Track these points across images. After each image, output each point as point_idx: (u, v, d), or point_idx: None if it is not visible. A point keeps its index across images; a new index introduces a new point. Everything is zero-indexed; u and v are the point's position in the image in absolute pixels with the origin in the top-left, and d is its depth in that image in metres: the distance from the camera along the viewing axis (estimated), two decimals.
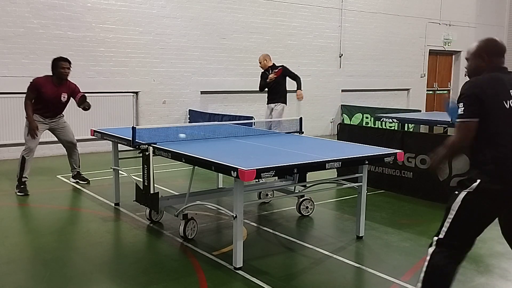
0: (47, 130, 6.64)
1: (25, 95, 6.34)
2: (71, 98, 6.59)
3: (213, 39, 10.90)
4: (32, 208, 5.91)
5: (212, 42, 10.89)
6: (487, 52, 3.03)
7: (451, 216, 2.92)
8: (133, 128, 4.84)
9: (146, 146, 4.71)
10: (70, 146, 6.79)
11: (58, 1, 9.02)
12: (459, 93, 2.97)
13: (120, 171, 5.85)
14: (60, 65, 6.37)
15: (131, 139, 4.84)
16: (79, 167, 6.93)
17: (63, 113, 6.71)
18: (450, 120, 3.32)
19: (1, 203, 5.97)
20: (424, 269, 2.96)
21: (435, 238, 2.98)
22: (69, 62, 6.47)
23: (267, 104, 9.10)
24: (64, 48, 9.10)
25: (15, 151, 8.71)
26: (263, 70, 9.21)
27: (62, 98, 6.47)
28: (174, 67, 10.42)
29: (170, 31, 10.29)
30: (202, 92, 10.88)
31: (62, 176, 7.36)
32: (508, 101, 2.88)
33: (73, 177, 6.96)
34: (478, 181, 2.85)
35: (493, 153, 2.86)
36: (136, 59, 9.93)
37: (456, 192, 2.94)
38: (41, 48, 8.86)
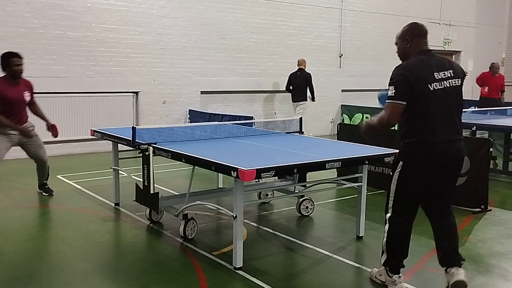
0: (15, 146, 5.98)
1: None
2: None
3: (213, 39, 10.90)
4: (32, 208, 5.91)
5: (212, 42, 10.90)
6: (410, 34, 3.42)
7: (392, 194, 3.47)
8: (133, 128, 4.85)
9: (146, 146, 4.71)
10: (40, 163, 6.21)
11: (58, 1, 9.03)
12: (390, 77, 3.33)
13: (120, 171, 5.85)
14: (13, 61, 5.70)
15: (131, 139, 4.84)
16: (47, 180, 6.36)
17: (32, 123, 6.07)
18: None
19: (1, 203, 5.97)
20: (384, 242, 3.53)
21: (387, 215, 3.52)
22: (21, 58, 5.79)
23: (293, 102, 11.09)
24: (64, 48, 9.12)
25: (16, 151, 8.66)
26: (293, 72, 10.99)
27: (25, 97, 5.87)
28: (174, 67, 10.43)
29: (170, 31, 10.30)
30: (202, 92, 10.89)
31: (62, 176, 7.36)
32: (432, 84, 3.25)
33: (38, 187, 6.40)
34: (401, 162, 3.37)
35: (417, 131, 3.29)
36: (136, 59, 9.93)
37: (391, 174, 3.47)
38: (41, 48, 8.86)
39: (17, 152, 8.62)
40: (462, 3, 15.93)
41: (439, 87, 3.27)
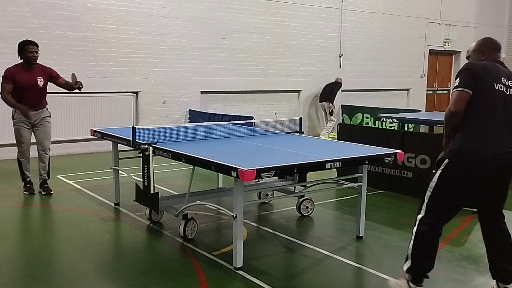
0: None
1: (0, 90, 6.05)
2: (52, 82, 6.34)
3: (213, 39, 10.90)
4: (32, 208, 5.91)
5: (212, 42, 10.89)
6: (486, 47, 3.32)
7: (428, 194, 3.25)
8: (133, 128, 4.84)
9: (146, 146, 4.71)
10: (41, 150, 6.33)
11: (58, 1, 9.03)
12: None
13: (120, 171, 5.85)
14: (27, 48, 6.09)
15: (131, 139, 4.84)
16: (48, 175, 6.43)
17: (50, 111, 6.41)
18: None
19: (1, 203, 5.97)
20: (411, 246, 3.29)
21: (418, 216, 3.29)
22: (37, 45, 6.16)
23: (320, 102, 12.50)
24: (64, 48, 9.11)
25: (15, 151, 8.67)
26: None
27: (38, 82, 6.14)
28: (174, 67, 10.43)
29: (170, 31, 10.30)
30: (202, 92, 10.88)
31: (62, 176, 7.36)
32: (498, 84, 3.13)
33: (39, 185, 6.40)
34: (447, 160, 3.17)
35: (468, 133, 3.13)
36: (136, 59, 9.93)
37: (434, 171, 3.25)
38: (41, 48, 8.75)
39: (17, 152, 8.64)
40: (462, 3, 15.93)
41: (504, 91, 3.14)
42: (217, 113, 10.00)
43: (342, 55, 13.11)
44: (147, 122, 10.05)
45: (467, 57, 3.43)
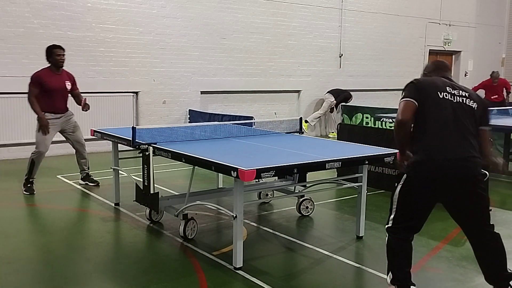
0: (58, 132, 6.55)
1: (28, 93, 6.21)
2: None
3: (213, 39, 10.90)
4: (33, 208, 5.91)
5: (212, 42, 10.89)
6: (431, 70, 3.48)
7: (393, 206, 3.30)
8: (133, 128, 4.84)
9: (146, 146, 4.71)
10: (79, 147, 6.69)
11: (58, 1, 9.02)
12: None
13: (120, 171, 5.85)
14: (55, 52, 6.32)
15: (131, 139, 4.84)
16: (88, 168, 6.86)
17: (72, 111, 6.64)
18: None
19: (2, 203, 5.97)
20: (387, 256, 3.34)
21: (386, 227, 3.35)
22: (63, 49, 6.41)
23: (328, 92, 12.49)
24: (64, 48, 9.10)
25: (15, 151, 8.73)
26: None
27: (67, 85, 6.42)
28: (174, 67, 10.42)
29: (170, 31, 10.29)
30: (202, 92, 10.88)
31: (62, 176, 7.36)
32: (443, 93, 3.19)
33: (82, 179, 6.88)
34: (405, 175, 3.23)
35: (419, 144, 3.17)
36: (136, 59, 9.93)
37: (396, 184, 3.30)
38: (41, 48, 8.76)
39: (17, 152, 8.65)
40: (462, 3, 15.93)
41: (451, 98, 3.17)
42: (217, 113, 9.99)
43: (342, 55, 13.11)
44: (147, 122, 10.04)
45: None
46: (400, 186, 3.25)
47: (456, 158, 3.09)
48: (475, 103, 3.23)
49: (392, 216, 3.32)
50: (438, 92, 3.18)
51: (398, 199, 3.26)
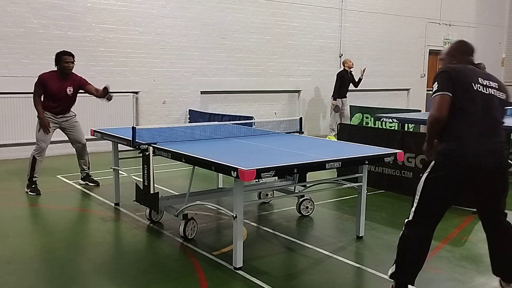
0: (57, 130, 6.64)
1: (33, 92, 6.34)
2: (82, 90, 6.63)
3: (213, 39, 10.90)
4: (33, 208, 5.91)
5: (212, 42, 10.89)
6: (458, 51, 3.37)
7: (417, 197, 3.21)
8: (133, 128, 4.84)
9: (146, 146, 4.71)
10: (80, 147, 6.75)
11: (58, 1, 9.02)
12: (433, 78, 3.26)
13: (120, 171, 5.85)
14: (64, 59, 6.39)
15: (131, 139, 4.84)
16: (88, 168, 6.89)
17: (74, 112, 6.71)
18: None
19: (2, 203, 5.97)
20: (397, 250, 3.26)
21: (406, 220, 3.26)
22: (73, 56, 6.49)
23: (343, 98, 11.67)
24: (64, 48, 9.03)
25: (15, 151, 8.73)
26: (345, 70, 11.65)
27: (68, 91, 6.45)
28: (174, 67, 10.42)
29: (170, 31, 10.29)
30: (202, 92, 10.88)
31: (62, 176, 7.36)
32: (476, 84, 3.14)
33: (82, 179, 6.91)
34: (433, 162, 3.14)
35: (452, 134, 3.12)
36: (136, 59, 9.93)
37: (421, 175, 3.22)
38: (41, 48, 8.86)
39: (17, 152, 8.65)
40: (462, 3, 15.93)
41: (483, 90, 3.14)
42: (217, 113, 9.99)
43: (342, 55, 13.10)
44: (147, 122, 10.05)
45: (441, 59, 3.47)
46: (427, 173, 3.17)
47: (488, 149, 3.09)
48: (504, 95, 3.23)
49: (414, 208, 3.22)
50: (473, 84, 3.13)
51: (423, 188, 3.17)
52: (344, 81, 11.56)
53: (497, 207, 3.30)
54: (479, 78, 3.18)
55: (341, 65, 12.06)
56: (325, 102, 12.93)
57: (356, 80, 11.75)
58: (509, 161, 3.21)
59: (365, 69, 11.69)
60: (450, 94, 3.08)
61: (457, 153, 3.08)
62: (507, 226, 3.32)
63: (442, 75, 3.15)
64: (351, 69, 11.63)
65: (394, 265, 3.26)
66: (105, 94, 6.52)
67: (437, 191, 3.15)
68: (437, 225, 3.25)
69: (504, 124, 3.26)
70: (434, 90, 3.14)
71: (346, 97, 11.72)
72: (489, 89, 3.18)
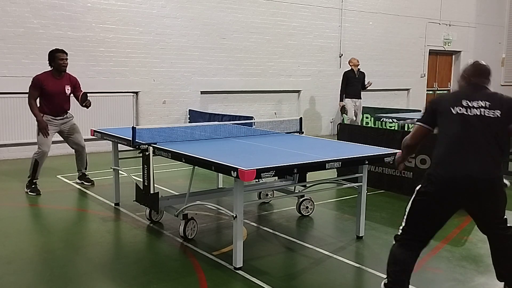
0: (56, 133, 6.61)
1: (27, 95, 6.26)
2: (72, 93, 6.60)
3: (213, 39, 10.90)
4: (33, 208, 5.91)
5: (212, 42, 10.89)
6: (470, 73, 3.36)
7: (405, 215, 3.31)
8: (133, 128, 4.84)
9: (146, 146, 4.71)
10: (79, 149, 6.76)
11: (58, 1, 9.02)
12: None
13: (120, 171, 5.85)
14: (58, 56, 6.31)
15: (131, 139, 4.84)
16: (85, 168, 6.90)
17: (71, 114, 6.68)
18: None
19: (2, 203, 5.97)
20: (387, 260, 3.31)
21: (395, 234, 3.36)
22: (66, 53, 6.42)
23: (355, 99, 10.97)
24: (64, 48, 9.05)
25: (15, 151, 8.73)
26: (352, 70, 11.03)
27: (66, 90, 6.42)
28: (174, 67, 10.42)
29: (170, 31, 10.29)
30: (202, 92, 10.88)
31: (62, 176, 7.36)
32: (455, 108, 3.17)
33: (78, 177, 6.95)
34: (419, 185, 3.24)
35: (435, 157, 3.22)
36: (136, 59, 9.93)
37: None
38: (41, 48, 8.85)
39: (17, 152, 8.65)
40: (462, 3, 15.93)
41: (465, 113, 3.11)
42: (217, 113, 9.99)
43: (342, 55, 13.10)
44: (147, 122, 10.05)
45: (457, 81, 3.49)
46: (414, 195, 3.28)
47: (467, 172, 3.06)
48: (497, 111, 3.11)
49: (402, 226, 3.33)
50: (452, 108, 3.16)
51: (410, 209, 3.29)
52: (351, 80, 10.88)
53: (493, 221, 3.28)
54: (463, 101, 3.16)
55: (347, 64, 11.38)
56: (325, 102, 12.92)
57: (366, 83, 11.13)
58: (497, 178, 3.12)
59: (371, 83, 11.07)
60: (426, 126, 3.30)
61: (437, 177, 3.13)
62: (507, 236, 3.29)
63: (427, 107, 3.37)
64: (358, 67, 10.98)
65: (388, 276, 3.28)
66: (84, 100, 6.47)
67: (422, 213, 3.23)
68: (426, 243, 3.28)
69: (499, 140, 3.15)
70: (419, 117, 3.39)
71: (357, 97, 10.97)
72: (474, 109, 3.13)
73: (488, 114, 3.13)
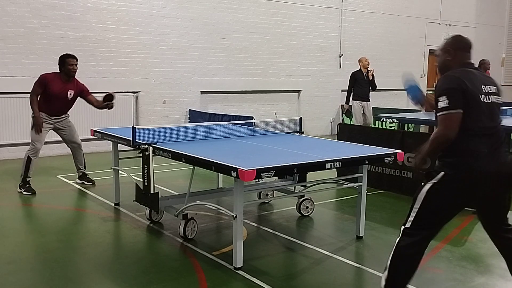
0: (51, 131, 6.64)
1: (31, 90, 6.33)
2: (82, 98, 6.67)
3: (213, 39, 10.90)
4: (32, 208, 5.91)
5: (212, 42, 10.89)
6: (454, 47, 3.22)
7: (417, 206, 3.06)
8: (133, 128, 4.84)
9: (146, 146, 4.71)
10: (75, 147, 6.78)
11: (58, 1, 9.02)
12: (437, 88, 3.07)
13: (120, 171, 5.85)
14: (68, 61, 6.41)
15: (131, 139, 4.84)
16: (84, 168, 6.92)
17: (68, 113, 6.70)
18: (410, 97, 3.85)
19: (1, 203, 5.97)
20: (390, 257, 3.11)
21: (402, 227, 3.13)
22: (76, 59, 6.51)
23: (363, 101, 10.40)
24: (64, 48, 9.07)
25: (15, 151, 8.72)
26: (360, 70, 10.48)
27: (68, 94, 6.47)
28: (174, 67, 10.42)
29: (170, 31, 10.29)
30: (202, 92, 10.88)
31: (62, 176, 7.36)
32: (482, 96, 3.01)
33: (78, 178, 6.96)
34: (442, 173, 2.99)
35: (462, 146, 2.98)
36: (136, 59, 9.93)
37: (422, 184, 3.08)
38: (41, 48, 8.86)
39: (17, 152, 8.64)
40: (462, 3, 15.93)
41: (486, 100, 3.02)
42: (217, 113, 9.99)
43: (342, 55, 13.10)
44: (147, 122, 10.04)
45: (436, 56, 3.33)
46: (431, 184, 3.02)
47: (500, 161, 3.00)
48: (500, 98, 3.10)
49: (412, 218, 3.08)
50: (480, 96, 3.00)
51: (425, 198, 3.03)
52: (359, 82, 10.32)
53: (501, 221, 3.23)
54: (482, 86, 3.05)
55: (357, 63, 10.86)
56: (325, 102, 12.92)
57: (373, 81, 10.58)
58: None
59: (372, 72, 10.45)
60: (461, 111, 2.92)
61: (470, 167, 2.95)
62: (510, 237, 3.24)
63: (452, 90, 2.95)
64: (368, 69, 10.43)
65: (387, 272, 3.12)
66: (110, 99, 6.54)
67: (441, 203, 3.03)
68: (433, 238, 3.16)
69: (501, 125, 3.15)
70: (443, 106, 2.93)
71: (366, 100, 10.44)
72: (491, 96, 3.06)
73: (497, 100, 3.08)
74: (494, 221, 3.25)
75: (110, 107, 6.61)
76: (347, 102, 10.52)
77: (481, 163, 2.96)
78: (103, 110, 6.76)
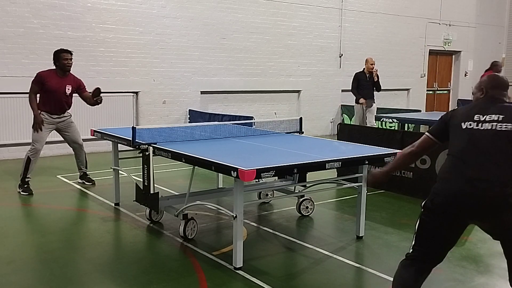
0: (54, 131, 6.63)
1: (29, 88, 6.32)
2: (77, 94, 6.65)
3: (213, 39, 10.90)
4: (32, 208, 5.91)
5: (212, 42, 10.89)
6: (486, 85, 3.24)
7: (414, 232, 3.17)
8: (133, 128, 4.85)
9: (146, 146, 4.71)
10: (76, 147, 6.78)
11: (58, 1, 9.02)
12: None
13: (120, 171, 5.85)
14: (62, 56, 6.38)
15: (131, 139, 4.84)
16: (86, 168, 6.92)
17: (70, 112, 6.69)
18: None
19: (2, 203, 5.97)
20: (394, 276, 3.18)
21: (406, 253, 3.19)
22: (71, 53, 6.48)
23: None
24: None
25: (15, 151, 8.72)
26: (363, 71, 10.32)
27: (66, 89, 6.46)
28: (174, 67, 10.42)
29: (170, 31, 10.29)
30: (202, 92, 10.88)
31: (62, 176, 7.36)
32: (466, 123, 3.06)
33: (79, 177, 6.97)
34: (423, 202, 3.12)
35: (439, 171, 3.11)
36: (136, 59, 9.93)
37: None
38: (41, 48, 8.86)
39: (17, 152, 8.65)
40: (462, 3, 15.93)
41: (475, 127, 3.01)
42: (217, 113, 10.00)
43: (342, 55, 13.11)
44: (147, 122, 10.04)
45: (473, 93, 3.37)
46: (421, 211, 3.14)
47: (470, 191, 2.94)
48: (510, 124, 2.99)
49: (412, 243, 3.20)
50: (462, 123, 3.06)
51: (418, 226, 3.16)
52: (361, 83, 10.18)
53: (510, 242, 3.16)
54: (476, 115, 3.06)
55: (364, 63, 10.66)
56: (325, 102, 12.92)
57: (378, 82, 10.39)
58: (507, 196, 2.93)
59: (376, 73, 10.33)
60: (433, 138, 3.20)
61: (439, 192, 3.03)
62: None
63: (440, 119, 3.25)
64: (372, 70, 10.27)
65: None
66: (97, 94, 6.50)
67: (430, 230, 3.11)
68: (437, 263, 3.18)
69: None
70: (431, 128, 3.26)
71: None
72: (486, 124, 3.02)
73: (499, 128, 3.00)
74: (503, 242, 3.19)
75: (99, 101, 6.59)
76: (358, 100, 10.17)
77: (448, 188, 2.98)
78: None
